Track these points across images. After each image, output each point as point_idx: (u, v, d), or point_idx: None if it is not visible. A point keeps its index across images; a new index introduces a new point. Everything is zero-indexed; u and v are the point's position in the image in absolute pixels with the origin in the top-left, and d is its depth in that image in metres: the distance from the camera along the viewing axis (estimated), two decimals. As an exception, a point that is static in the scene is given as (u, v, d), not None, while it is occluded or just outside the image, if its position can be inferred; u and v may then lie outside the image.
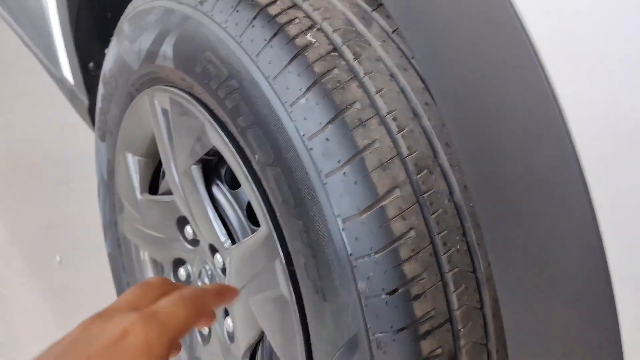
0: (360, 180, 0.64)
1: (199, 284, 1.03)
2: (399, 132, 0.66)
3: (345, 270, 0.65)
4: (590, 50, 0.47)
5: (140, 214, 1.14)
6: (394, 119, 0.66)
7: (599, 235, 0.50)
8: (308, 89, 0.67)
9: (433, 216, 0.65)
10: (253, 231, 0.87)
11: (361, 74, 0.68)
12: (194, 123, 0.86)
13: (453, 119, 0.57)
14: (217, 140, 0.81)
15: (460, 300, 0.65)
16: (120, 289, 1.36)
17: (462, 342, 0.67)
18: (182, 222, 1.04)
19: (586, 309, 0.55)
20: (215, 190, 0.93)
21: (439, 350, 0.66)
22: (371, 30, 0.71)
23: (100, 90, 1.17)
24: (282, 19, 0.71)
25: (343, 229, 0.64)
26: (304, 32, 0.70)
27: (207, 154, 0.88)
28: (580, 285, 0.53)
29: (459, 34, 0.54)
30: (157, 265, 1.20)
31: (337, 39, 0.70)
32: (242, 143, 0.76)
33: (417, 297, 0.64)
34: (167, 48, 0.86)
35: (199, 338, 1.08)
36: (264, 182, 0.74)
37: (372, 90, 0.67)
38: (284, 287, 0.74)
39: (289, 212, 0.70)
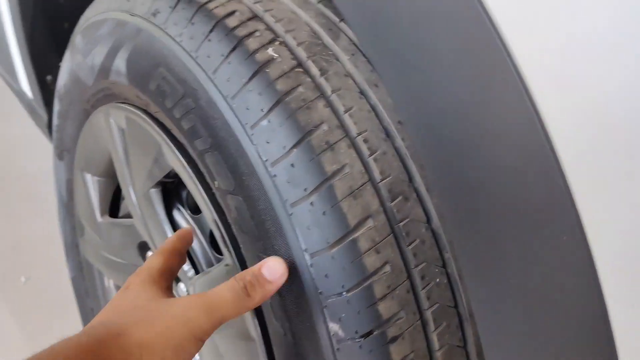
0: (329, 210, 0.58)
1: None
2: (370, 155, 0.60)
3: (314, 311, 0.59)
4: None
5: (101, 237, 1.07)
6: (365, 141, 0.60)
7: (593, 267, 0.44)
8: (270, 109, 0.60)
9: (410, 247, 0.59)
10: (218, 260, 0.81)
11: (328, 91, 0.61)
12: (152, 144, 0.79)
13: (425, 148, 0.51)
14: (175, 163, 0.75)
15: (441, 339, 0.60)
16: (84, 315, 1.29)
17: (445, 384, 0.61)
18: (144, 247, 0.97)
19: (581, 349, 0.49)
20: (176, 214, 0.86)
21: (420, 396, 0.60)
22: (339, 42, 0.65)
23: (56, 106, 1.10)
24: (241, 31, 0.64)
25: (311, 265, 0.58)
26: (265, 46, 0.63)
27: (166, 176, 0.81)
28: (575, 326, 0.48)
29: (429, 53, 0.48)
30: (121, 292, 1.13)
31: (301, 53, 0.63)
32: (201, 167, 0.70)
33: (394, 339, 0.58)
34: (120, 63, 0.80)
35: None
36: (225, 211, 0.68)
37: (341, 109, 0.61)
38: (251, 327, 0.68)
39: (253, 244, 0.63)
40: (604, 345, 0.43)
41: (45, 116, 1.39)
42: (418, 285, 0.59)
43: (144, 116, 0.80)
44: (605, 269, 0.40)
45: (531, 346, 0.52)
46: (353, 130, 0.60)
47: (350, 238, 0.57)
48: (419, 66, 0.46)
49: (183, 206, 0.86)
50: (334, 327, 0.58)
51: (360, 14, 0.53)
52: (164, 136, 0.76)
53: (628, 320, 0.45)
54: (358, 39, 0.54)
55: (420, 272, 0.59)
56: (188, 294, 0.85)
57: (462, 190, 0.46)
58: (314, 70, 0.63)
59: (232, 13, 0.66)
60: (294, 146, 0.59)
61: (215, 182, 0.66)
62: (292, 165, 0.59)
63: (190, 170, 0.72)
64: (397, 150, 0.61)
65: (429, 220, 0.61)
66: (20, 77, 1.44)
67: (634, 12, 0.39)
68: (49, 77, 1.33)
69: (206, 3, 0.67)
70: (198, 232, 0.83)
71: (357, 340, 0.57)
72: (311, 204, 0.58)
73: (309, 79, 0.62)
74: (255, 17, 0.66)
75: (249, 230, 0.63)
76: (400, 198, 0.60)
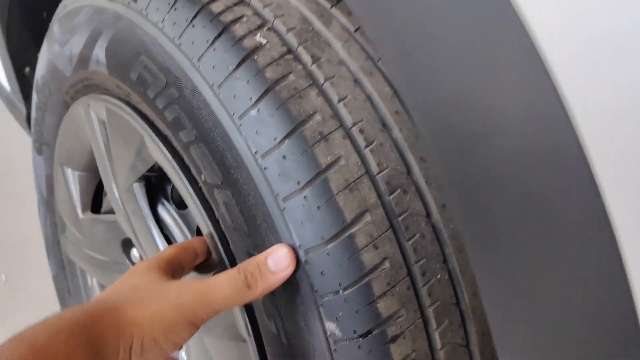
0: (324, 205, 0.55)
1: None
2: (366, 146, 0.57)
3: (310, 310, 0.56)
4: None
5: (83, 234, 1.03)
6: (361, 132, 0.57)
7: (621, 264, 0.41)
8: (259, 99, 0.57)
9: (409, 243, 0.56)
10: (205, 257, 0.78)
11: (321, 79, 0.58)
12: (134, 136, 0.75)
13: (431, 130, 0.48)
14: (159, 156, 0.71)
15: (443, 338, 0.57)
16: (67, 314, 1.25)
17: (446, 384, 0.59)
18: (127, 244, 0.93)
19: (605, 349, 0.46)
20: (161, 209, 0.83)
21: (421, 397, 0.57)
22: (331, 29, 0.62)
23: (34, 98, 1.06)
24: (227, 17, 0.61)
25: (306, 262, 0.55)
26: (252, 32, 0.60)
27: (150, 170, 0.78)
28: (598, 325, 0.45)
29: (435, 29, 0.44)
30: (104, 290, 1.09)
31: (292, 39, 0.60)
32: (186, 160, 0.67)
33: (394, 338, 0.55)
34: (99, 52, 0.76)
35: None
36: (212, 206, 0.64)
37: (335, 98, 0.58)
38: (242, 327, 0.65)
39: (242, 241, 0.60)
40: (632, 345, 0.40)
41: (24, 110, 1.35)
42: (419, 281, 0.56)
43: (125, 107, 0.76)
44: (636, 266, 0.38)
45: (545, 342, 0.49)
46: (348, 120, 0.57)
47: (347, 233, 0.54)
48: (428, 47, 0.42)
49: (168, 201, 0.83)
50: (330, 326, 0.55)
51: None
52: (147, 128, 0.72)
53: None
54: (358, 19, 0.50)
55: (421, 268, 0.56)
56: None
57: (474, 181, 0.43)
58: (306, 58, 0.59)
59: (217, -3, 0.62)
60: (286, 137, 0.56)
61: (202, 176, 0.63)
62: (284, 157, 0.56)
63: (175, 164, 0.68)
64: (394, 142, 0.58)
65: (428, 214, 0.58)
66: (-2, 70, 1.39)
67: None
68: (27, 69, 1.28)
69: (190, -13, 0.63)
70: (184, 228, 0.80)
71: (356, 340, 0.55)
72: (305, 198, 0.55)
73: (300, 67, 0.59)
74: (242, 2, 0.63)
75: (239, 226, 0.60)
76: (398, 191, 0.57)
